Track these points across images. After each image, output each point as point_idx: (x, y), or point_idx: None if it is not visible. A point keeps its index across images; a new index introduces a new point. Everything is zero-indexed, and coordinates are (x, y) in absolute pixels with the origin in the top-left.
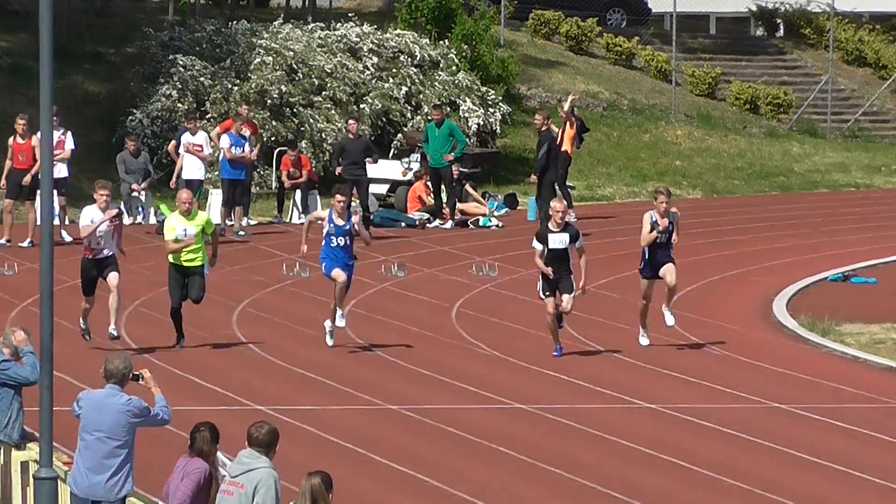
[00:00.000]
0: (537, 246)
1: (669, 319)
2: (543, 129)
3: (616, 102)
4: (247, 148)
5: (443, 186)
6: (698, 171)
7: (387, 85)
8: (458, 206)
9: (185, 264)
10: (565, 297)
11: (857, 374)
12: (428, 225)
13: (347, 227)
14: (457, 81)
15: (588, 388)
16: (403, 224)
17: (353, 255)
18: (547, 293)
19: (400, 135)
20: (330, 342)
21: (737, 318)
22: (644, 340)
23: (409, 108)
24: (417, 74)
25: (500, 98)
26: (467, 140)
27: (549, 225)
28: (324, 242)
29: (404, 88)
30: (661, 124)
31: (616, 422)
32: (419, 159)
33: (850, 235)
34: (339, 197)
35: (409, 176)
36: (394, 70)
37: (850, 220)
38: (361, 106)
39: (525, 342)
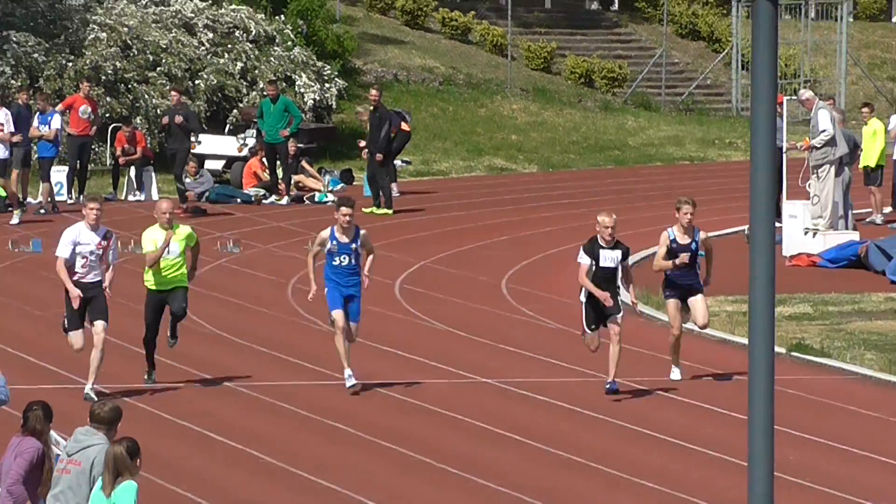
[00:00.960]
0: (584, 260)
1: (675, 374)
2: (380, 106)
3: (452, 77)
4: (54, 123)
5: (278, 162)
6: (534, 146)
7: (222, 60)
8: (294, 180)
9: (163, 288)
10: (613, 325)
11: (690, 346)
12: (264, 201)
13: (353, 244)
14: (292, 57)
15: (423, 363)
16: (239, 200)
17: (359, 278)
18: (592, 327)
19: (235, 111)
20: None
21: (573, 291)
22: (676, 375)
23: (244, 83)
24: (253, 50)
25: (336, 73)
26: (303, 115)
27: (599, 241)
28: (326, 263)
29: (240, 64)
30: (496, 99)
31: (451, 396)
32: (255, 135)
33: None
34: (343, 210)
35: (245, 152)
36: (229, 46)
37: (684, 193)
38: (196, 82)
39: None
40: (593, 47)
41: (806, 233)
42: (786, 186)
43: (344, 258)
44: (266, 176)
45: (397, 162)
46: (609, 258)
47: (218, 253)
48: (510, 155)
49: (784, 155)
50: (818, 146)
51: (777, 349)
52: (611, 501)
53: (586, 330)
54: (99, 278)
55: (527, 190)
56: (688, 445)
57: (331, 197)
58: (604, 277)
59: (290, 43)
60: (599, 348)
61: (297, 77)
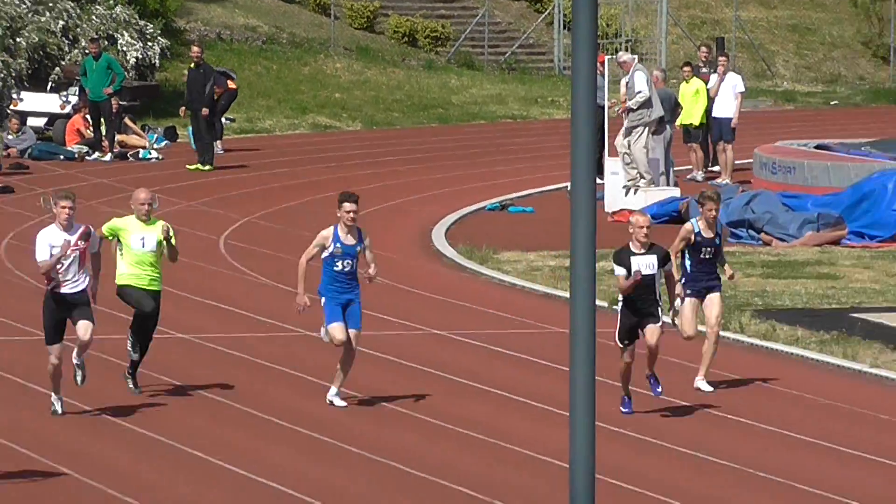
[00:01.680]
0: (620, 272)
1: (704, 386)
2: (202, 63)
3: (275, 36)
4: None
5: (102, 119)
6: (358, 104)
7: (43, 19)
8: (118, 138)
9: (144, 287)
10: (650, 329)
11: (515, 300)
12: (87, 157)
13: (358, 247)
14: (114, 15)
15: (248, 316)
16: (62, 157)
17: (357, 282)
18: (626, 341)
19: (58, 68)
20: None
21: (397, 247)
22: (705, 387)
23: (66, 41)
24: (74, 8)
25: (159, 32)
26: (125, 73)
27: (631, 245)
28: (324, 268)
29: (61, 22)
30: (320, 57)
31: (276, 351)
32: (77, 92)
33: (507, 166)
34: (347, 206)
35: (68, 109)
36: (50, 4)
37: (507, 151)
38: (18, 40)
39: (188, 274)
40: (416, 7)
41: (626, 191)
42: (607, 144)
43: (347, 263)
44: (89, 133)
45: (222, 119)
46: (644, 264)
47: (41, 209)
48: (334, 113)
49: (605, 113)
50: (634, 108)
51: (599, 303)
52: (435, 449)
53: (618, 343)
54: (84, 287)
55: (350, 147)
56: (511, 397)
57: (154, 154)
58: (638, 285)
59: (111, 1)
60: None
61: (119, 35)
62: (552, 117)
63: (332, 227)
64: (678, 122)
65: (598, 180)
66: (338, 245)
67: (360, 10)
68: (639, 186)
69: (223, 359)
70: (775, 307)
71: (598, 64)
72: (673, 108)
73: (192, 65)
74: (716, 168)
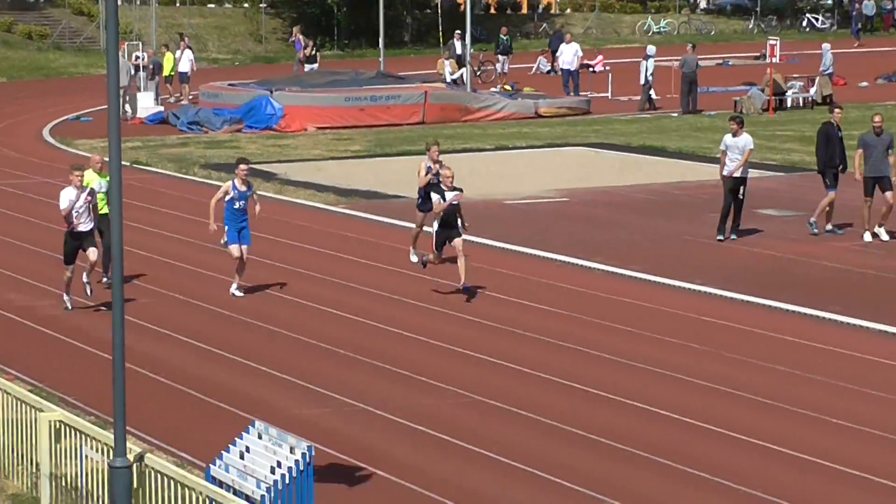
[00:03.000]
0: (437, 199)
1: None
2: None
3: None
4: None
5: None
6: None
7: None
8: None
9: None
10: (457, 241)
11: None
12: None
13: (248, 193)
14: None
15: None
16: None
17: (247, 216)
18: (438, 250)
19: None
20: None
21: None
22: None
23: None
24: None
25: None
26: None
27: (442, 185)
28: (226, 207)
29: None
30: None
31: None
32: None
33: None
34: (242, 167)
35: None
36: None
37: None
38: None
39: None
40: None
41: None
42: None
43: (241, 204)
44: None
45: None
46: (454, 196)
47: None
48: None
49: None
50: None
51: (125, 163)
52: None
53: (434, 250)
54: (90, 227)
55: None
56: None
57: None
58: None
59: None
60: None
61: None
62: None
63: (231, 181)
64: None
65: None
66: (235, 192)
67: None
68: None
69: None
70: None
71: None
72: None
73: None
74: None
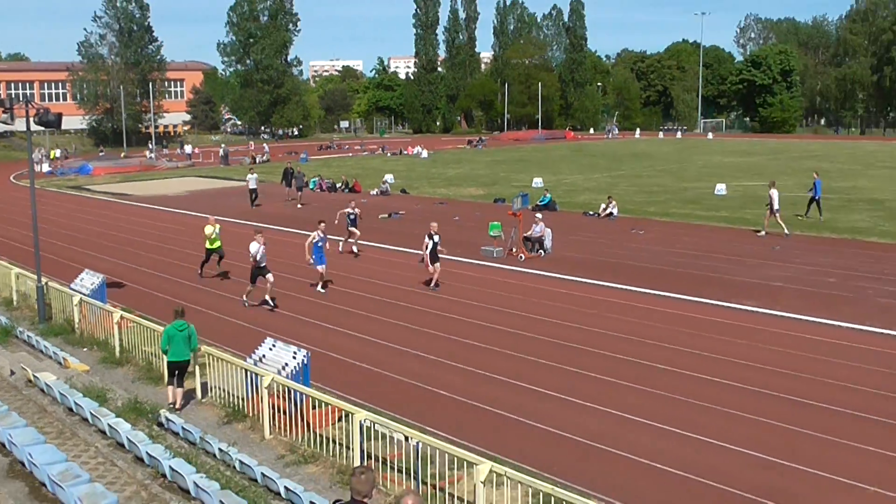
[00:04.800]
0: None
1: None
2: None
3: None
4: None
5: None
6: None
7: None
8: None
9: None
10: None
11: None
12: None
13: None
14: None
15: None
16: None
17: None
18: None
19: None
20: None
21: None
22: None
23: None
24: None
25: None
26: None
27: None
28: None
29: None
30: None
31: None
32: None
33: None
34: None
35: None
36: None
37: None
38: None
39: None
40: None
41: None
42: None
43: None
44: None
45: None
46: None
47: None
48: None
49: None
50: None
51: None
52: None
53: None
54: (265, 263)
55: None
56: None
57: None
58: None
59: None
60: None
61: None
62: None
63: (316, 232)
64: None
65: None
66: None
67: None
68: None
69: None
70: None
71: None
72: None
73: None
74: None
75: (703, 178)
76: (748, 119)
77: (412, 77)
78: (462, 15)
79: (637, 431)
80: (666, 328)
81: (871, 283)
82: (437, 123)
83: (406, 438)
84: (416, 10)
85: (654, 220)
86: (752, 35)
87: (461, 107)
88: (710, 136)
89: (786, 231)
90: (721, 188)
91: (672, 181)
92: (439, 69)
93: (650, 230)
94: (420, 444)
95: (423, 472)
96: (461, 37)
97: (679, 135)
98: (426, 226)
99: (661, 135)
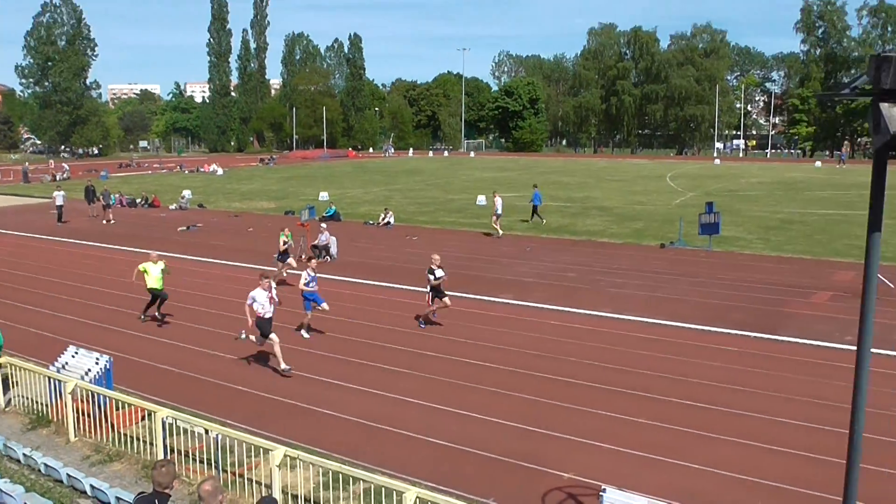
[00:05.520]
0: (431, 276)
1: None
2: None
3: None
4: None
5: None
6: None
7: None
8: None
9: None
10: (446, 299)
11: None
12: None
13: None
14: None
15: None
16: None
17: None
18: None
19: None
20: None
21: None
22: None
23: None
24: None
25: None
26: None
27: (433, 265)
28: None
29: None
30: None
31: None
32: None
33: None
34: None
35: None
36: None
37: None
38: None
39: None
40: None
41: None
42: None
43: (314, 285)
44: None
45: None
46: (441, 275)
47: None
48: None
49: None
50: None
51: None
52: None
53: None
54: (271, 315)
55: None
56: None
57: None
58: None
59: None
60: None
61: None
62: None
63: (305, 271)
64: None
65: None
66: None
67: None
68: None
69: None
70: None
71: None
72: None
73: None
74: None
75: (467, 191)
76: (504, 140)
77: (207, 101)
78: (253, 45)
79: (412, 411)
80: (439, 320)
81: (603, 276)
82: (232, 143)
83: (206, 431)
84: (209, 39)
85: (425, 227)
86: (506, 69)
87: (253, 128)
88: (472, 154)
89: (499, 233)
90: (481, 199)
91: (440, 193)
92: (233, 94)
93: (422, 236)
94: (219, 436)
95: (224, 461)
96: (252, 64)
97: (446, 154)
98: (224, 236)
99: (430, 154)
